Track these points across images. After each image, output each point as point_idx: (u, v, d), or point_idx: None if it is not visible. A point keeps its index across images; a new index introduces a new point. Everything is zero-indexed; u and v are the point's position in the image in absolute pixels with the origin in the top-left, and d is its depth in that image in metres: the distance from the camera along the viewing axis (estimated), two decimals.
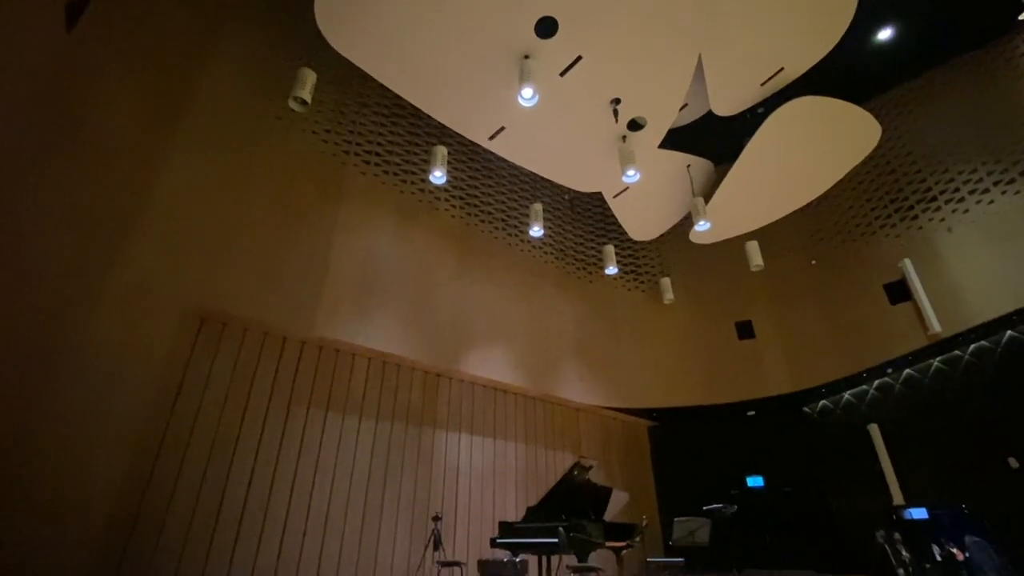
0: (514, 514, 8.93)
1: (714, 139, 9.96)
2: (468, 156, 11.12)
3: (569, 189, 10.29)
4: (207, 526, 6.07)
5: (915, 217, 10.15)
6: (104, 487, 5.48)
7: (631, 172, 7.59)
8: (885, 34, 9.85)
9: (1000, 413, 9.08)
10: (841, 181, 10.00)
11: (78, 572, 5.11)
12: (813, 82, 8.16)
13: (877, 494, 10.39)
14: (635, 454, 12.58)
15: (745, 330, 12.00)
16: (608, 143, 8.36)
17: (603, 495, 6.81)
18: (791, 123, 8.22)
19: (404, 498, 8.03)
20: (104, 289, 5.93)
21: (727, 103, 8.44)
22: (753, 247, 9.69)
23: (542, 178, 10.77)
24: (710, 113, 8.90)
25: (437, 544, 6.68)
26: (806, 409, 12.20)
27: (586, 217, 13.22)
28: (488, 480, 9.31)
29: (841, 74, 9.38)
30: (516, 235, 11.44)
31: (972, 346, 9.64)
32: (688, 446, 12.93)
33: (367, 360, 8.41)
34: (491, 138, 8.23)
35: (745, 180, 9.18)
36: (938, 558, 10.34)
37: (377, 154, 9.57)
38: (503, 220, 11.34)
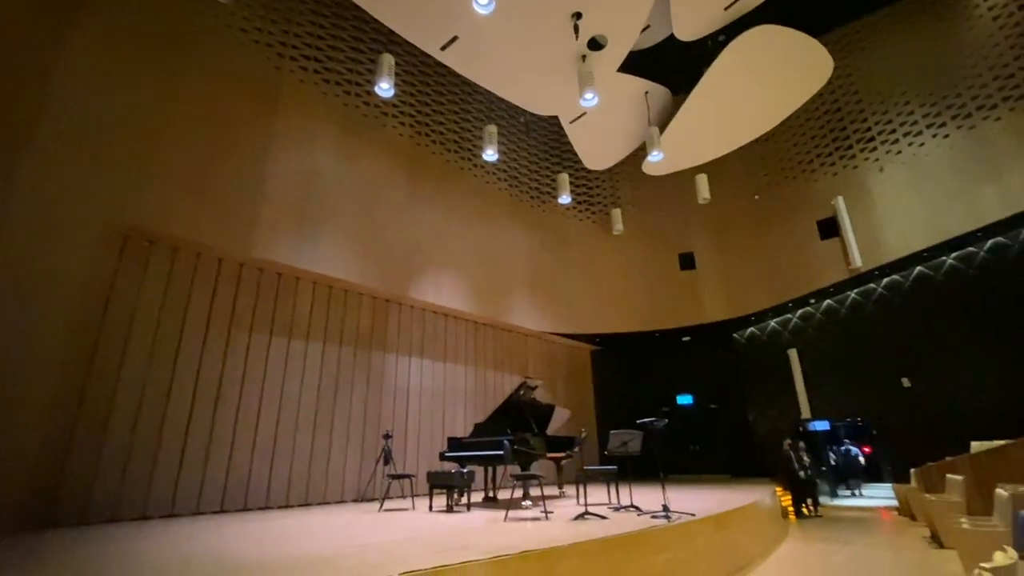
0: (463, 431, 9.36)
1: (673, 66, 9.75)
2: (418, 68, 10.35)
3: (524, 111, 9.89)
4: (148, 448, 5.97)
5: (852, 156, 10.59)
6: (35, 407, 5.21)
7: (589, 95, 7.36)
8: None
9: (901, 340, 10.20)
10: (790, 117, 10.19)
11: (14, 488, 4.95)
12: (773, 12, 8.01)
13: (790, 410, 11.67)
14: (578, 376, 13.31)
15: (687, 261, 12.52)
16: (567, 63, 7.99)
17: (546, 412, 7.24)
18: (749, 53, 8.13)
19: (355, 419, 8.19)
20: (7, 198, 5.28)
21: (690, 26, 8.18)
22: (702, 180, 9.88)
23: (497, 98, 10.29)
24: (671, 38, 8.63)
25: (387, 459, 6.95)
26: (736, 335, 13.19)
27: (541, 143, 12.90)
28: (438, 400, 9.62)
29: (803, 5, 9.25)
30: (469, 159, 11.04)
31: (885, 279, 10.58)
32: (627, 369, 13.81)
33: (312, 284, 8.16)
34: (443, 48, 7.65)
35: (700, 111, 9.15)
36: (832, 462, 12.03)
37: (317, 60, 8.71)
38: (456, 142, 10.86)
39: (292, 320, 7.78)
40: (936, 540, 5.62)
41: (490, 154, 8.78)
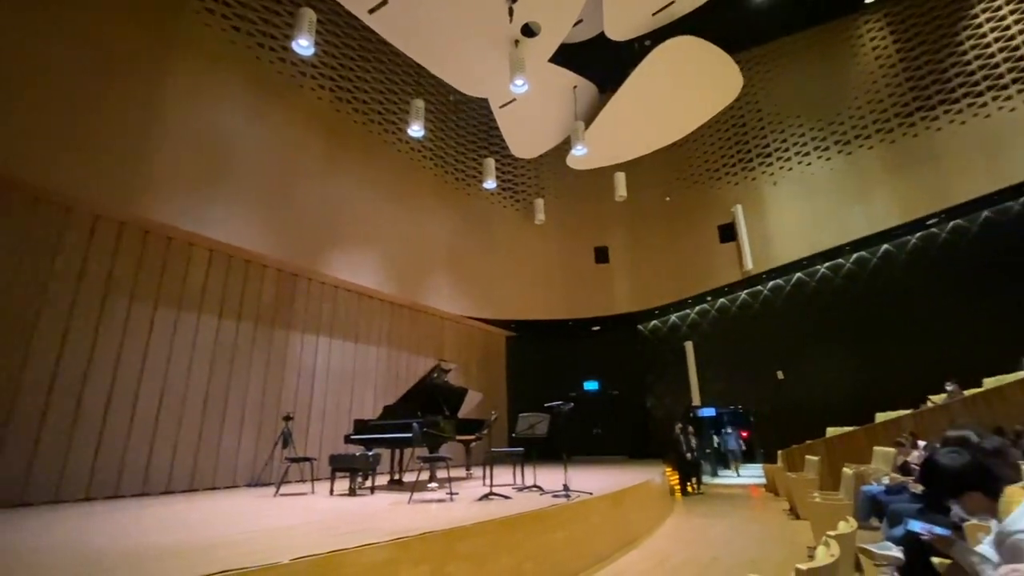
0: (372, 414, 9.11)
1: (602, 64, 10.01)
2: (343, 30, 9.71)
3: (454, 90, 9.67)
4: None
5: (752, 168, 11.62)
6: None
7: (519, 81, 7.35)
8: None
9: (778, 337, 11.46)
10: (702, 126, 10.91)
11: None
12: (695, 25, 8.48)
13: (683, 397, 12.69)
14: (493, 360, 13.48)
15: (602, 255, 13.09)
16: (500, 46, 7.90)
17: (459, 395, 7.24)
18: (670, 61, 8.56)
19: (252, 399, 7.64)
20: None
21: (620, 27, 8.43)
22: (620, 178, 10.31)
23: (427, 72, 9.94)
24: (603, 36, 8.84)
25: (287, 442, 6.58)
26: (640, 327, 14.05)
27: (469, 125, 12.72)
28: (346, 381, 9.27)
29: (722, 23, 9.87)
30: (394, 132, 10.61)
31: (771, 283, 11.78)
32: (540, 354, 14.22)
33: (208, 252, 7.43)
34: (372, 12, 7.23)
35: (624, 111, 9.50)
36: (716, 444, 13.34)
37: (227, 4, 7.85)
38: (380, 114, 10.38)
39: (183, 290, 7.04)
40: (794, 513, 6.42)
41: (416, 130, 8.50)
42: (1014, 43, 9.61)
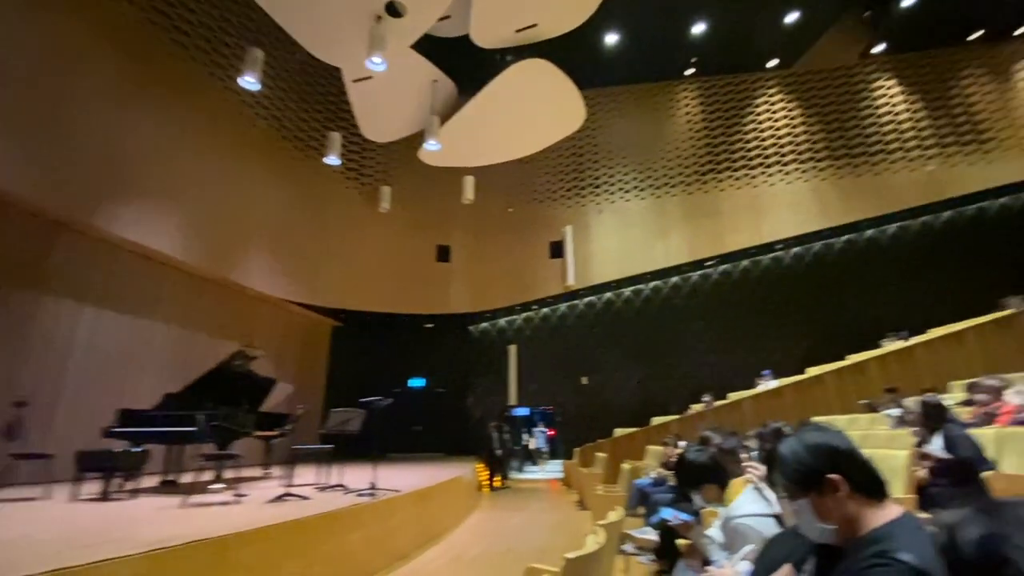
0: (151, 403, 7.66)
1: (465, 66, 10.09)
2: None
3: (302, 49, 8.75)
4: None
5: (583, 195, 12.92)
6: None
7: (378, 59, 6.99)
8: (612, 39, 11.77)
9: (587, 347, 12.87)
10: (548, 148, 11.74)
11: None
12: (551, 52, 9.08)
13: (501, 397, 13.39)
14: (315, 350, 12.48)
15: (444, 254, 13.15)
16: (360, 17, 7.41)
17: (264, 385, 6.52)
18: (528, 79, 9.02)
19: None
20: None
21: (485, 34, 8.60)
22: (469, 182, 10.49)
23: (272, 22, 8.82)
24: (468, 39, 8.92)
25: (12, 434, 5.12)
26: (471, 328, 14.46)
27: (317, 92, 11.67)
28: (118, 363, 7.60)
29: (575, 59, 10.76)
30: (224, 76, 9.15)
31: (587, 298, 13.19)
32: (368, 348, 13.64)
33: None
34: None
35: (479, 118, 9.70)
36: (525, 442, 14.40)
37: None
38: (208, 50, 8.86)
39: None
40: (582, 504, 7.23)
41: (250, 81, 7.41)
42: (780, 133, 12.45)
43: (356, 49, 7.72)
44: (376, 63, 7.04)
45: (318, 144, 11.27)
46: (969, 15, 11.54)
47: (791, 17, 11.36)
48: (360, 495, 4.41)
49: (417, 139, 10.26)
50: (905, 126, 12.15)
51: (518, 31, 8.56)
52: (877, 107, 12.45)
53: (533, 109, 9.68)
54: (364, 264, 12.13)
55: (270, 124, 10.36)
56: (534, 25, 8.38)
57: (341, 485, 5.17)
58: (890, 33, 11.84)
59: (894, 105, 12.38)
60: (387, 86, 9.09)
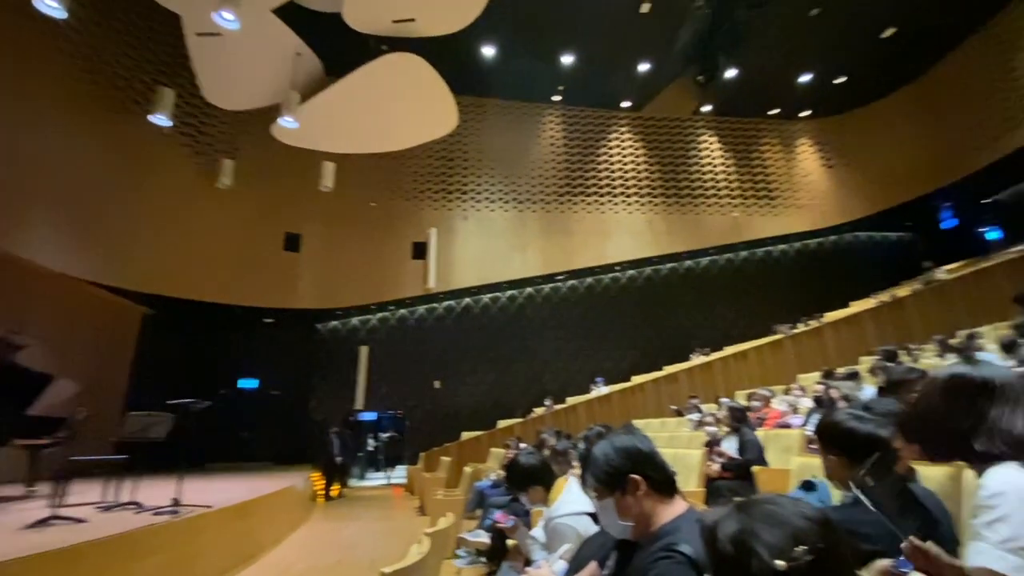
0: None
1: (335, 45, 9.45)
2: None
3: None
4: None
5: (450, 199, 12.98)
6: None
7: (229, 15, 6.19)
8: (489, 51, 12.07)
9: (441, 351, 12.87)
10: (418, 147, 11.54)
11: None
12: (429, 52, 8.98)
13: (347, 401, 12.67)
14: (117, 341, 10.40)
15: (292, 242, 12.05)
16: None
17: (36, 383, 5.27)
18: (401, 72, 8.78)
19: None
20: None
21: (359, 15, 8.16)
22: (329, 168, 9.82)
23: None
24: (341, 18, 8.38)
25: None
26: (319, 326, 13.46)
27: (147, 37, 9.90)
28: None
29: (453, 62, 10.78)
30: None
31: (446, 302, 13.21)
32: (189, 342, 11.84)
33: None
34: None
35: (344, 103, 9.15)
36: (370, 448, 13.77)
37: None
38: None
39: None
40: (423, 509, 7.14)
41: (52, 6, 5.97)
42: (627, 167, 13.97)
43: None
44: (227, 19, 6.23)
45: (143, 99, 9.54)
46: (771, 95, 14.32)
47: (644, 66, 12.85)
48: (158, 513, 3.77)
49: (272, 113, 9.29)
50: (719, 177, 14.58)
51: (395, 21, 8.29)
52: (701, 157, 14.74)
53: (404, 105, 9.44)
54: (193, 246, 10.53)
55: (83, 62, 8.50)
56: (412, 20, 8.21)
57: (135, 503, 4.36)
58: (715, 97, 14.09)
59: (713, 158, 14.78)
60: (240, 48, 8.11)
